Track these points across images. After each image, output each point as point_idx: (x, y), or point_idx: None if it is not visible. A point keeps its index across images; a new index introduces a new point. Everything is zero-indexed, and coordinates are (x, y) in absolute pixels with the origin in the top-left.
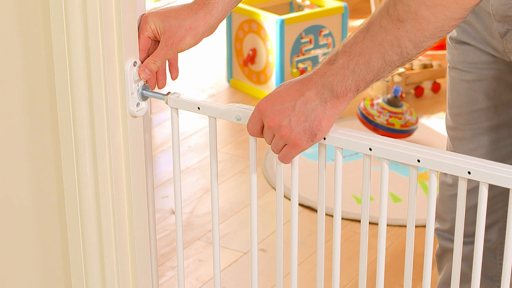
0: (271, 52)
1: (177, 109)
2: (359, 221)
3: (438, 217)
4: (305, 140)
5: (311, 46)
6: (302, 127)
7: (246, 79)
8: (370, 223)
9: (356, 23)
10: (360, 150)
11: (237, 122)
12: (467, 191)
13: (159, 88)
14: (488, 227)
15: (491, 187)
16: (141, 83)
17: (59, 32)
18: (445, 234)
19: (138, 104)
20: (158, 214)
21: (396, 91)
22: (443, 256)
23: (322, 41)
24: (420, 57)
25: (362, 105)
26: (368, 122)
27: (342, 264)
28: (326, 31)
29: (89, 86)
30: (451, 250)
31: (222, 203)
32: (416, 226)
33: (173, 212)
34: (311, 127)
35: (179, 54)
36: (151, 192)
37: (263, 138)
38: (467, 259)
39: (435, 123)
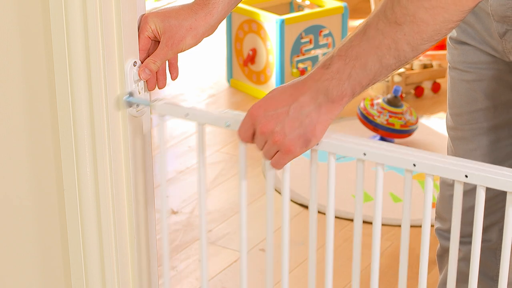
0: (271, 52)
1: (164, 116)
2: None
3: (439, 217)
4: (298, 146)
5: (311, 46)
6: (296, 133)
7: (246, 79)
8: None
9: (356, 23)
10: (354, 155)
11: (226, 128)
12: (467, 191)
13: (159, 88)
14: (488, 227)
15: (491, 188)
16: (142, 83)
17: (59, 32)
18: (445, 234)
19: (138, 104)
20: (158, 215)
21: (396, 91)
22: (443, 255)
23: (322, 41)
24: (420, 57)
25: (362, 105)
26: (368, 122)
27: (342, 264)
28: (326, 31)
29: (89, 86)
30: None
31: (222, 203)
32: (416, 226)
33: (173, 212)
34: (305, 133)
35: (179, 54)
36: (151, 192)
37: (254, 144)
38: (467, 259)
39: (435, 123)
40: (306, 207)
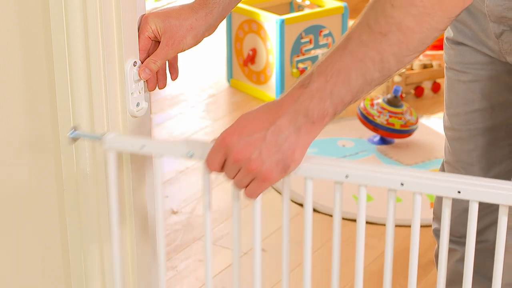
0: (271, 52)
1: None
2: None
3: (437, 218)
4: (277, 172)
5: (311, 46)
6: (274, 159)
7: (246, 79)
8: (369, 223)
9: None
10: (336, 178)
11: (188, 158)
12: None
13: (159, 88)
14: (485, 228)
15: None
16: (142, 83)
17: (59, 32)
18: None
19: (138, 104)
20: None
21: (396, 91)
22: None
23: (322, 41)
24: (420, 57)
25: (362, 105)
26: (368, 122)
27: (341, 264)
28: (326, 31)
29: (89, 86)
30: (450, 250)
31: (222, 203)
32: (406, 226)
33: (173, 212)
34: (284, 158)
35: (179, 54)
36: (151, 192)
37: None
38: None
39: (435, 123)
40: None
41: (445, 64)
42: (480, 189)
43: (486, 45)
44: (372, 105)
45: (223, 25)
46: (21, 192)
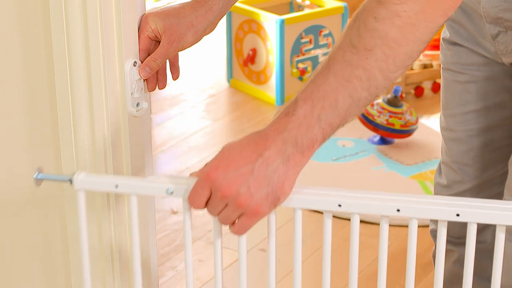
0: (271, 52)
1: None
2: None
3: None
4: (267, 206)
5: (311, 46)
6: (263, 192)
7: (246, 79)
8: (369, 223)
9: None
10: (328, 208)
11: (168, 196)
12: (462, 192)
13: (159, 88)
14: (482, 229)
15: (487, 188)
16: (142, 83)
17: (59, 32)
18: None
19: (138, 104)
20: (158, 214)
21: (396, 91)
22: None
23: (322, 41)
24: (420, 57)
25: None
26: (368, 122)
27: (341, 264)
28: (326, 31)
29: (89, 86)
30: (448, 251)
31: None
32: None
33: (173, 212)
34: (273, 191)
35: (179, 54)
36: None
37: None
38: (462, 261)
39: (435, 123)
40: None
41: (441, 65)
42: (479, 210)
43: (482, 46)
44: (372, 105)
45: (223, 25)
46: (21, 192)
